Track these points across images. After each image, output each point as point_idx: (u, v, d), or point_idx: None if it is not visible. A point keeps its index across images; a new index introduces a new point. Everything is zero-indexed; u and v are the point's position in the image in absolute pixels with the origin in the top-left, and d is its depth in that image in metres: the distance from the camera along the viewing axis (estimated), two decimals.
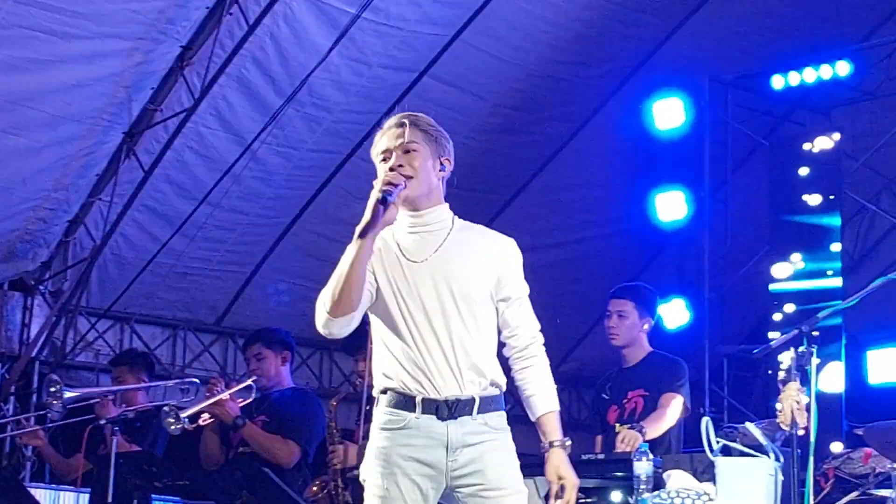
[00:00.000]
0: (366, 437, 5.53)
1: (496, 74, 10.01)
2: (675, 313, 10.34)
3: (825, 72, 10.30)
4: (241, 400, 6.79)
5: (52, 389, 6.62)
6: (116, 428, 6.52)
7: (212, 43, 8.78)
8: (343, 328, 3.96)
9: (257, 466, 6.20)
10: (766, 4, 10.32)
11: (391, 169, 4.00)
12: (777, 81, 10.46)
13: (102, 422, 6.85)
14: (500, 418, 4.00)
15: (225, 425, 6.79)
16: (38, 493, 6.98)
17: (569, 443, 4.05)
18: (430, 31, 9.42)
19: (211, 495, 6.41)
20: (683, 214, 10.44)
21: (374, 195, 3.88)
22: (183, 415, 6.36)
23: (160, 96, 9.12)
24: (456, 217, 4.16)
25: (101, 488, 6.61)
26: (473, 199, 10.72)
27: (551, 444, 4.03)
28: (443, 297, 3.96)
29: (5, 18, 8.10)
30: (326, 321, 3.96)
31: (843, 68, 10.24)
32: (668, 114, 10.36)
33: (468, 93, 10.04)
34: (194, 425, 6.53)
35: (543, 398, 4.06)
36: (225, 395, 6.68)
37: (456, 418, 3.91)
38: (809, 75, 10.33)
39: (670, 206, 10.49)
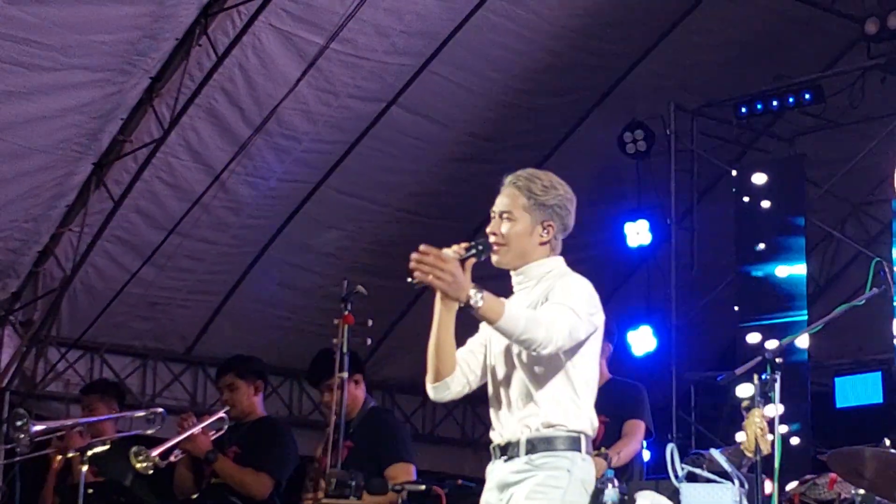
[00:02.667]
0: (333, 464, 5.59)
1: (463, 104, 10.08)
2: (642, 340, 10.41)
3: (789, 100, 10.43)
4: (213, 432, 6.79)
5: (19, 423, 6.62)
6: (84, 459, 6.52)
7: (181, 74, 8.84)
8: (440, 394, 4.26)
9: (227, 498, 6.21)
10: (730, 34, 10.43)
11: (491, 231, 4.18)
12: (742, 109, 10.59)
13: (70, 454, 6.85)
14: (547, 457, 4.04)
15: (198, 458, 6.79)
16: None
17: (479, 297, 3.89)
18: (397, 62, 9.49)
19: None
20: (650, 241, 10.53)
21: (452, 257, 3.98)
22: (153, 453, 6.36)
23: (129, 127, 9.16)
24: (559, 267, 4.21)
25: None
26: (441, 227, 10.78)
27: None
28: (509, 346, 4.12)
29: None
30: (428, 387, 4.26)
31: (807, 96, 10.38)
32: (634, 142, 10.45)
33: (435, 122, 10.11)
34: (166, 462, 6.53)
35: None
36: (196, 430, 6.67)
37: (509, 459, 4.08)
38: (774, 103, 10.47)
39: (638, 234, 10.59)
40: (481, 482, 6.07)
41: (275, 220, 10.28)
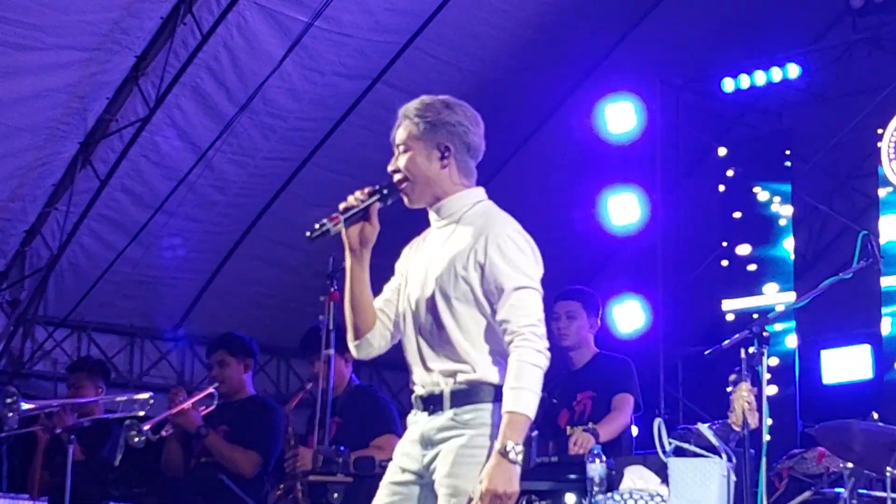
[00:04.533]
0: (321, 441, 5.61)
1: (449, 81, 10.04)
2: (629, 315, 10.42)
3: (775, 74, 10.43)
4: (203, 408, 6.81)
5: (9, 401, 6.62)
6: (73, 437, 6.54)
7: (166, 52, 8.82)
8: (364, 351, 4.08)
9: (215, 475, 6.24)
10: (715, 8, 10.42)
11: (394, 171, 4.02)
12: (727, 84, 10.58)
13: (58, 431, 6.86)
14: (473, 412, 3.83)
15: (188, 434, 6.81)
16: None
17: (518, 450, 3.71)
18: (382, 39, 9.47)
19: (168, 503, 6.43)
20: (637, 217, 10.53)
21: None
22: (145, 427, 6.39)
23: (115, 106, 9.14)
24: (480, 203, 4.01)
25: (58, 497, 6.63)
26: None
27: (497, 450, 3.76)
28: (423, 294, 3.93)
29: None
30: (350, 346, 4.09)
31: (793, 71, 10.39)
32: (620, 118, 10.44)
33: None
34: (157, 436, 6.56)
35: (509, 398, 3.76)
36: (187, 405, 6.70)
37: (433, 413, 3.88)
38: (760, 78, 10.46)
39: (623, 210, 10.58)
40: None
41: (261, 198, 10.26)
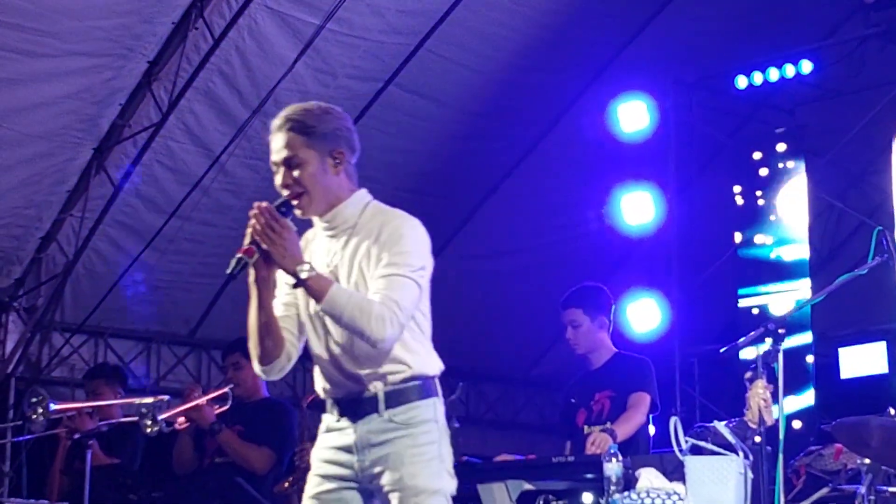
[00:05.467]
0: None
1: (461, 82, 10.07)
2: (645, 314, 10.40)
3: (788, 71, 10.40)
4: (217, 407, 6.85)
5: (34, 400, 6.63)
6: (91, 441, 6.56)
7: (178, 57, 8.84)
8: (274, 374, 3.99)
9: (230, 475, 6.26)
10: (727, 5, 10.40)
11: (283, 186, 3.89)
12: (740, 81, 10.55)
13: (77, 436, 6.88)
14: (410, 411, 3.84)
15: (200, 431, 6.84)
16: None
17: (307, 268, 3.75)
18: (393, 41, 9.47)
19: None
20: (651, 216, 10.51)
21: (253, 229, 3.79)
22: (160, 417, 6.41)
23: (128, 112, 9.16)
24: (369, 205, 3.96)
25: (77, 502, 6.65)
26: (440, 205, 10.78)
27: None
28: None
29: None
30: (257, 369, 3.99)
31: (806, 67, 10.35)
32: (633, 116, 10.43)
33: (433, 101, 10.10)
34: (171, 429, 6.59)
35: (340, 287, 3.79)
36: (202, 401, 6.74)
37: (362, 417, 3.85)
38: (773, 74, 10.43)
39: (637, 209, 10.56)
40: (485, 458, 6.12)
41: (274, 202, 10.24)
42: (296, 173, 3.89)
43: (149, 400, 7.06)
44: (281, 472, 6.91)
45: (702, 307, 10.73)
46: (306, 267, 3.75)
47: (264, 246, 3.77)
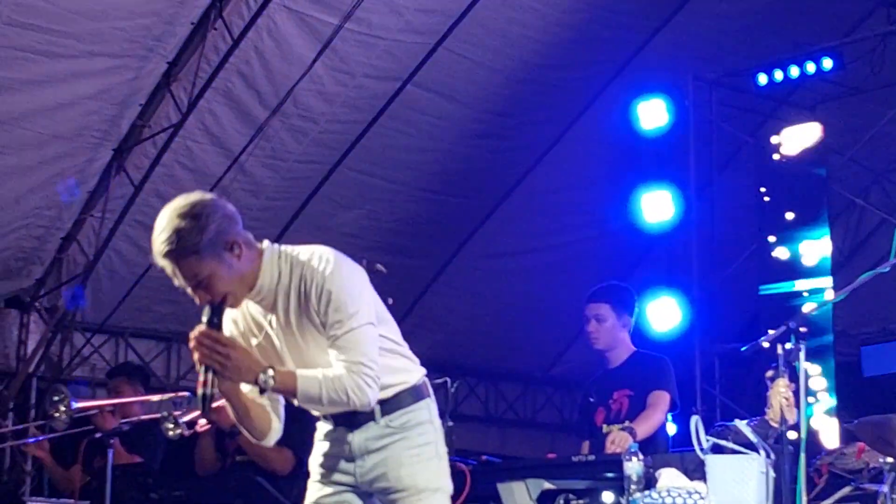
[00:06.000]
0: None
1: (479, 80, 10.06)
2: (665, 313, 10.37)
3: (809, 68, 10.34)
4: None
5: (56, 398, 6.64)
6: (112, 440, 6.57)
7: (197, 58, 8.86)
8: (271, 440, 4.12)
9: (251, 475, 6.26)
10: (748, 2, 10.37)
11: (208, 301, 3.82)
12: (761, 79, 10.50)
13: (98, 435, 6.89)
14: (406, 415, 3.93)
15: (221, 432, 6.84)
16: None
17: (269, 376, 3.78)
18: (412, 40, 9.47)
19: None
20: (670, 214, 10.48)
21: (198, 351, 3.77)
22: (182, 419, 6.41)
23: (148, 112, 9.20)
24: (279, 259, 3.86)
25: (98, 501, 6.66)
26: (460, 205, 10.79)
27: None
28: (306, 353, 3.90)
29: None
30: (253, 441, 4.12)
31: (828, 64, 10.29)
32: (653, 114, 10.39)
33: (452, 100, 10.10)
34: (192, 431, 6.59)
35: (311, 373, 3.83)
36: (222, 402, 6.72)
37: (360, 426, 3.94)
38: (794, 72, 10.38)
39: (657, 207, 10.53)
40: (505, 458, 6.10)
41: (294, 201, 10.29)
42: (212, 289, 3.80)
43: (168, 397, 7.09)
44: (303, 473, 6.89)
45: (722, 305, 10.70)
46: (269, 373, 3.78)
47: (217, 369, 3.77)
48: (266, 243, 3.91)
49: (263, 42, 9.06)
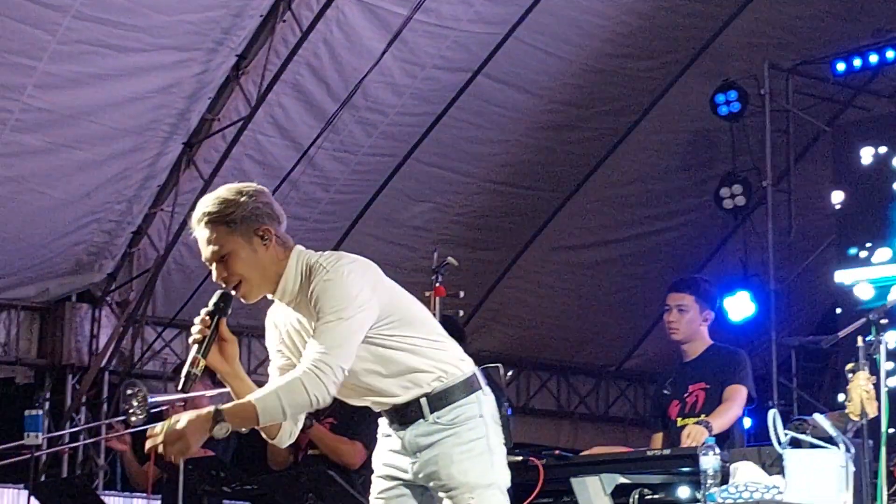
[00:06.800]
0: None
1: (550, 71, 9.97)
2: (739, 306, 10.22)
3: (889, 55, 10.12)
4: None
5: (130, 393, 6.65)
6: None
7: (266, 51, 8.87)
8: (285, 442, 4.09)
9: (323, 469, 6.23)
10: None
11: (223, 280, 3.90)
12: (839, 66, 10.30)
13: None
14: (455, 410, 3.90)
15: None
16: (110, 500, 7.06)
17: (225, 430, 3.82)
18: (482, 30, 9.41)
19: (278, 498, 6.44)
20: (743, 205, 10.35)
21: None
22: None
23: (217, 105, 9.23)
24: (304, 262, 3.90)
25: (171, 494, 6.67)
26: (531, 197, 10.71)
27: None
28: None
29: (65, 35, 8.24)
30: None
31: None
32: (728, 104, 10.25)
33: (523, 90, 10.01)
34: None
35: (263, 392, 3.88)
36: None
37: (411, 423, 3.92)
38: (873, 58, 10.17)
39: (733, 198, 10.40)
40: (578, 452, 6.02)
41: (363, 194, 10.26)
42: (230, 266, 3.88)
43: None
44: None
45: (799, 298, 10.54)
46: (221, 422, 3.77)
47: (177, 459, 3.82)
48: (298, 248, 3.93)
49: (332, 34, 9.04)
